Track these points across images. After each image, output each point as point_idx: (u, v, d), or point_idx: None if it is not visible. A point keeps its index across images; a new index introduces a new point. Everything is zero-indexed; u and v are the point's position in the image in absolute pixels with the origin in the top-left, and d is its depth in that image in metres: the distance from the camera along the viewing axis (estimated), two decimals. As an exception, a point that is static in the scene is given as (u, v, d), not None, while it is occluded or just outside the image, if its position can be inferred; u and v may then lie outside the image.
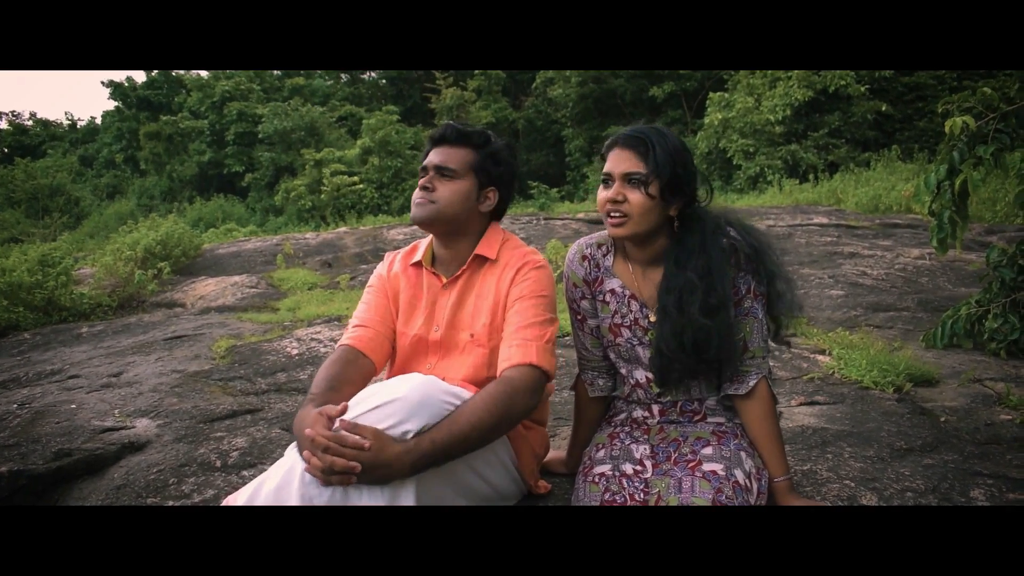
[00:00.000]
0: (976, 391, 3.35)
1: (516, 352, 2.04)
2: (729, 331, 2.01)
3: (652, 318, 2.10)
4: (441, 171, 2.19)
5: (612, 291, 2.18)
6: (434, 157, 2.21)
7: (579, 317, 2.28)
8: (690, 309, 1.98)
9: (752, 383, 2.09)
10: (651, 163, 1.97)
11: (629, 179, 1.99)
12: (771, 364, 2.17)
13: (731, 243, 2.04)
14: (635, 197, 1.99)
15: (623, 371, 2.25)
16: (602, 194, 2.05)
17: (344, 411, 1.73)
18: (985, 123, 3.25)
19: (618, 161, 2.01)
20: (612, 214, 2.02)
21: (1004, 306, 3.81)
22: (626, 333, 2.16)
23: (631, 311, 2.15)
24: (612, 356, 2.26)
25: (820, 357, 4.05)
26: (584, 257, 2.23)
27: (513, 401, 1.94)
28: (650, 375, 2.18)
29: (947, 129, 3.30)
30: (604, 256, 2.21)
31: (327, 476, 1.65)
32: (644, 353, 2.15)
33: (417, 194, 2.20)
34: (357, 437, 1.66)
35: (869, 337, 4.23)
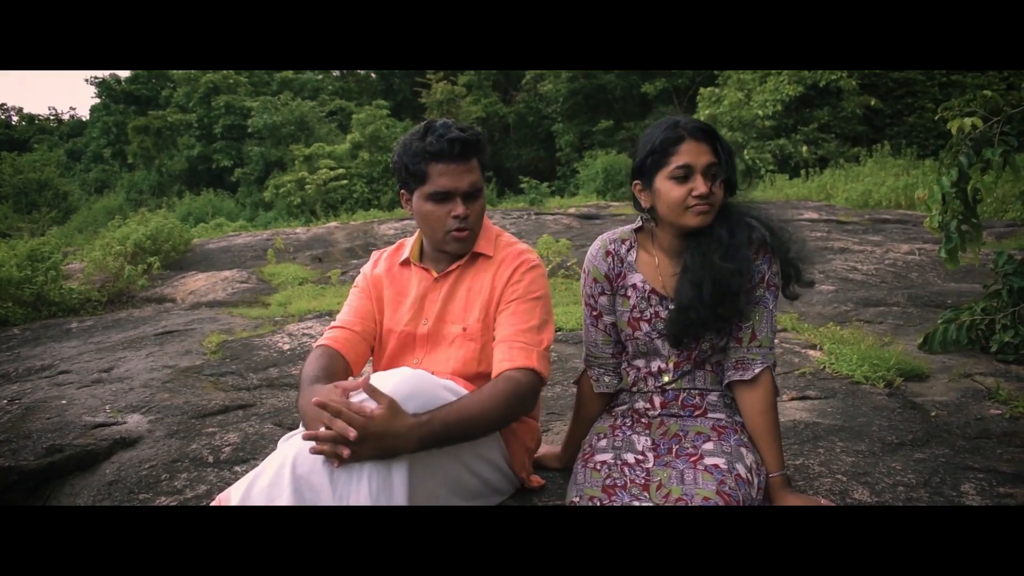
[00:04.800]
0: (966, 386, 3.36)
1: (519, 355, 2.06)
2: (747, 283, 2.06)
3: (672, 307, 2.12)
4: (473, 196, 2.16)
5: (634, 286, 2.19)
6: (457, 180, 2.11)
7: (595, 313, 2.28)
8: (712, 257, 2.02)
9: (757, 370, 2.11)
10: (722, 154, 2.02)
11: (710, 170, 2.01)
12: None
13: (749, 224, 2.09)
14: (719, 188, 2.03)
15: (639, 363, 2.26)
16: (680, 189, 2.01)
17: (362, 384, 1.74)
18: (989, 126, 3.21)
19: (698, 153, 2.00)
20: (696, 207, 2.02)
21: (1013, 316, 3.72)
22: (645, 327, 2.18)
23: (651, 305, 2.17)
24: (631, 349, 2.26)
25: (811, 352, 4.06)
26: (608, 253, 2.24)
27: (518, 401, 1.99)
28: (664, 365, 2.20)
29: (953, 130, 3.24)
30: (628, 251, 2.22)
31: (334, 447, 1.64)
32: (663, 345, 2.18)
33: (453, 224, 2.14)
34: (370, 405, 1.68)
35: (860, 332, 4.24)
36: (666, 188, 2.03)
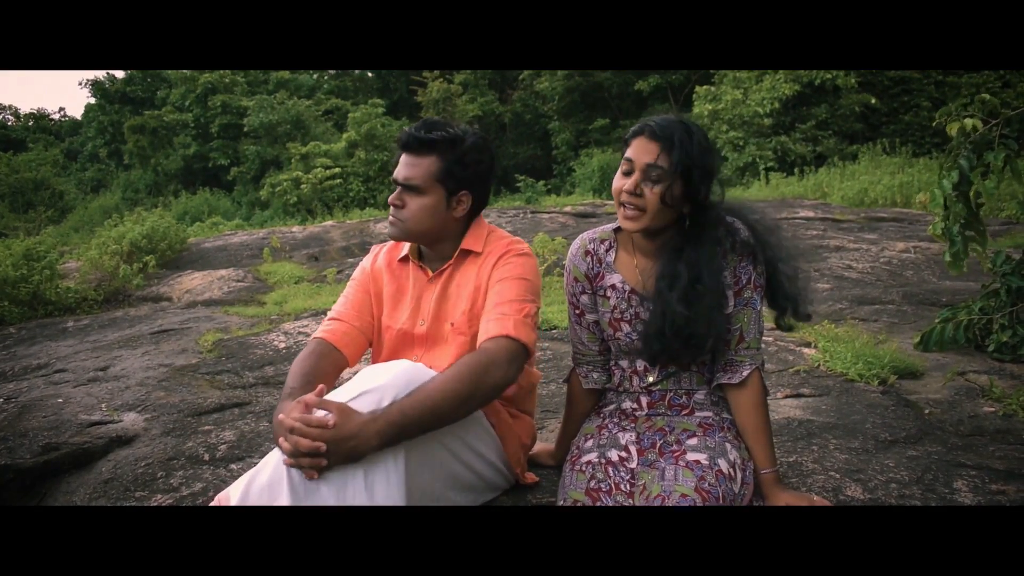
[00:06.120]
0: (960, 384, 3.37)
1: (493, 326, 2.03)
2: (712, 321, 2.01)
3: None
4: (407, 188, 2.15)
5: (613, 286, 2.18)
6: (400, 170, 2.16)
7: (578, 311, 2.27)
8: (671, 296, 2.00)
9: (745, 373, 2.09)
10: (673, 161, 1.94)
11: (650, 173, 1.96)
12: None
13: (727, 229, 2.05)
14: (652, 193, 1.96)
15: (623, 363, 2.26)
16: (620, 181, 1.99)
17: (321, 394, 1.74)
18: (988, 129, 3.19)
19: (642, 151, 1.97)
20: (627, 206, 1.99)
21: (1011, 316, 3.70)
22: (626, 328, 2.17)
23: (631, 306, 2.15)
24: (613, 349, 2.26)
25: (806, 350, 4.07)
26: (587, 252, 2.23)
27: (487, 371, 1.92)
28: (648, 365, 2.19)
29: (953, 133, 3.20)
30: (607, 251, 2.21)
31: (296, 459, 1.66)
32: None
33: (391, 211, 2.19)
34: (321, 415, 1.68)
35: (854, 330, 4.25)
36: (615, 179, 2.03)
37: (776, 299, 2.15)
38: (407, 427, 1.75)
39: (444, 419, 1.84)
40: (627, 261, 2.18)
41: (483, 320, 2.09)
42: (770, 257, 2.11)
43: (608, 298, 2.19)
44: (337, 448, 1.66)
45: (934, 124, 3.50)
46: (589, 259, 2.22)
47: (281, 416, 1.72)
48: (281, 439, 1.69)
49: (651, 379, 2.20)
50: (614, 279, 2.18)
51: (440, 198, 2.15)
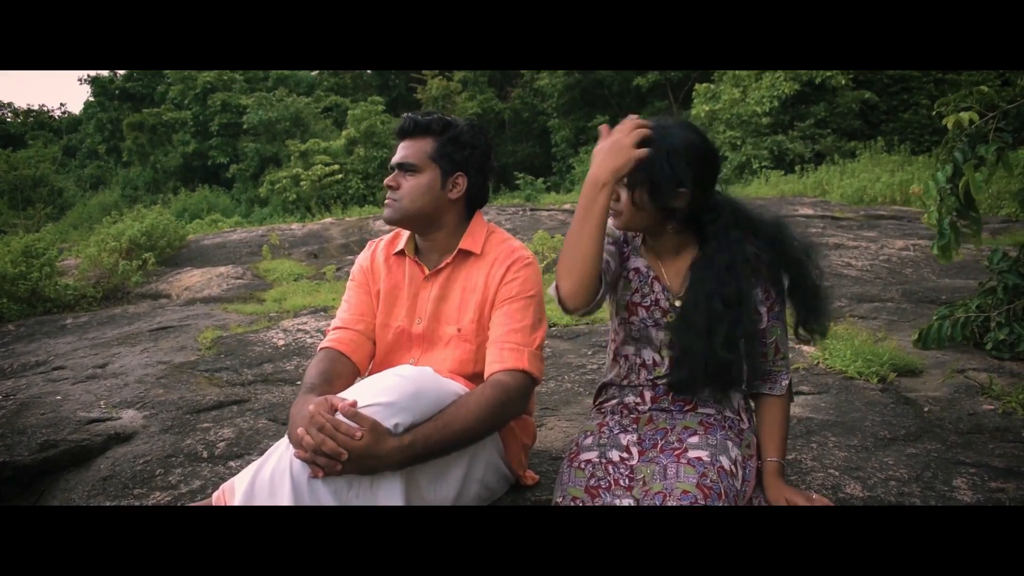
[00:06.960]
0: (959, 381, 3.37)
1: (509, 356, 2.06)
2: (752, 360, 2.05)
3: (676, 302, 2.11)
4: (403, 167, 2.17)
5: (636, 269, 2.18)
6: (397, 154, 2.19)
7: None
8: (714, 341, 1.98)
9: (785, 383, 2.16)
10: (653, 161, 1.94)
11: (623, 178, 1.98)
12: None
13: (754, 253, 2.05)
14: (624, 196, 2.02)
15: (630, 351, 2.25)
16: None
17: (355, 406, 1.74)
18: (984, 122, 3.18)
19: None
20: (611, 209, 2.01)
21: (1008, 314, 3.71)
22: (642, 312, 2.16)
23: (653, 291, 2.15)
24: (622, 334, 2.24)
25: (805, 347, 4.07)
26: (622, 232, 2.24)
27: (506, 408, 1.99)
28: (657, 357, 2.19)
29: (950, 126, 3.20)
30: (633, 236, 2.23)
31: (314, 456, 1.68)
32: (656, 334, 2.16)
33: (387, 192, 2.20)
34: (352, 425, 1.69)
35: (854, 328, 4.25)
36: None
37: (796, 299, 2.14)
38: (427, 456, 1.81)
39: (460, 448, 1.92)
40: (649, 249, 2.20)
41: (496, 344, 2.10)
42: (793, 272, 2.10)
43: (630, 280, 2.19)
44: (358, 462, 1.69)
45: (934, 112, 3.49)
46: (622, 234, 2.23)
47: (312, 408, 1.72)
48: (301, 429, 1.70)
49: (659, 372, 2.19)
50: (638, 263, 2.19)
51: (435, 177, 2.17)
